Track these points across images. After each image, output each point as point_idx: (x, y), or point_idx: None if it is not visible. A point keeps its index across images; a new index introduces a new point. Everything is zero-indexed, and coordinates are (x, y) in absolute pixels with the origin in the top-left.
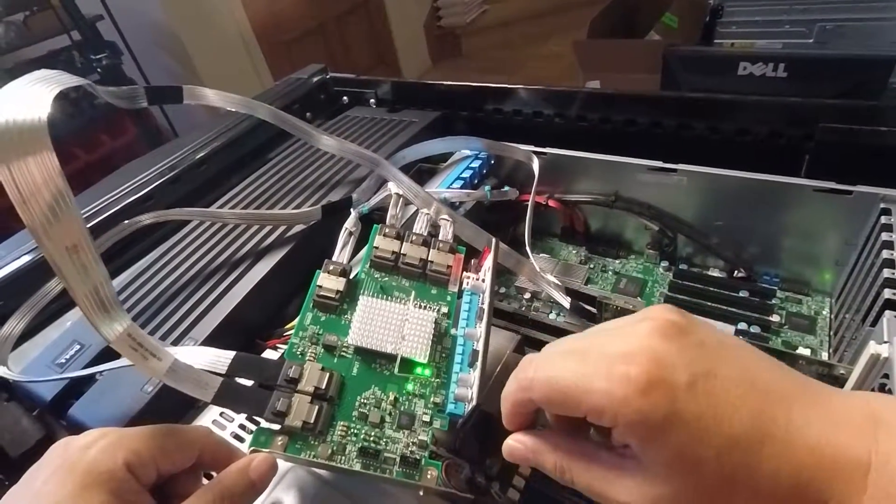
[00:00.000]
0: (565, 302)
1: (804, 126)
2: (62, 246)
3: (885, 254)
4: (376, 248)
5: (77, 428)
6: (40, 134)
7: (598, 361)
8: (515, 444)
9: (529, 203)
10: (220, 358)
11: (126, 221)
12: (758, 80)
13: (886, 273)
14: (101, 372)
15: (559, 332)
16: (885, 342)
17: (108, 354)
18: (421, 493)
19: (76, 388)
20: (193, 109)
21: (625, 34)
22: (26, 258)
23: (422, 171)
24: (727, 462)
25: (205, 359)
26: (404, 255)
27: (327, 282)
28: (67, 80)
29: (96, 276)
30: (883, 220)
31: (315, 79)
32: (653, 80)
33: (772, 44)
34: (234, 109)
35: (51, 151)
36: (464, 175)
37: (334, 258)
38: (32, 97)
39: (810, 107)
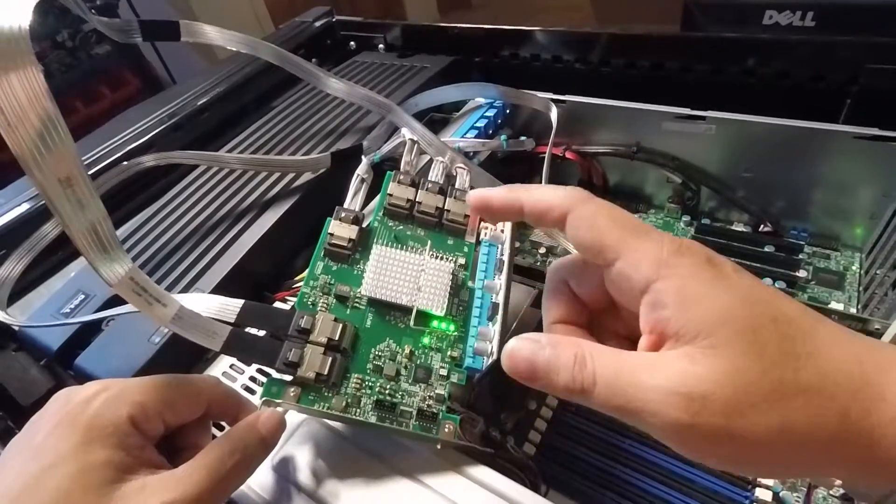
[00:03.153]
0: None
1: (848, 68)
2: (55, 177)
3: None
4: (390, 195)
5: (84, 378)
6: (22, 45)
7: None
8: (521, 342)
9: (546, 155)
10: (229, 306)
11: (126, 163)
12: (784, 30)
13: None
14: (107, 320)
15: None
16: None
17: (113, 304)
18: (438, 447)
19: (83, 338)
20: (194, 62)
21: None
22: (26, 206)
23: (434, 121)
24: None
25: (212, 307)
26: (419, 203)
27: (339, 229)
28: None
29: (94, 213)
30: None
31: (320, 22)
32: (672, 32)
33: None
34: (234, 49)
35: (36, 67)
36: (478, 124)
37: (345, 205)
38: (7, 2)
39: (857, 45)
